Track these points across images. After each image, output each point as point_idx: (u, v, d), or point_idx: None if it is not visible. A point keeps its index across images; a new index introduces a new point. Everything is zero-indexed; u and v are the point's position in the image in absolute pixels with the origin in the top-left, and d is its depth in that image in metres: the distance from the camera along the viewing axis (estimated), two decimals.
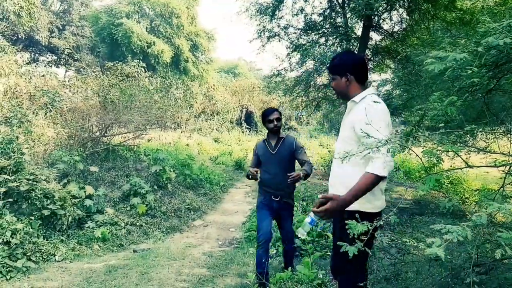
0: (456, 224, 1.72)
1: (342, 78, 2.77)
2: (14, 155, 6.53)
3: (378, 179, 2.41)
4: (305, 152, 4.69)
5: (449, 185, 10.26)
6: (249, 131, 27.58)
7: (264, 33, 9.98)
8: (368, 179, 2.41)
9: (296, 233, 3.16)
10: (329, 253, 5.47)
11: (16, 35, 27.50)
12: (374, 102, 2.56)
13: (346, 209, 2.56)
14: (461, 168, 2.25)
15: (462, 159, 2.26)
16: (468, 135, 5.12)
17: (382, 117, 2.51)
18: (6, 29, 24.59)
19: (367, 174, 2.41)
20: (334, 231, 2.92)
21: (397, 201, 8.88)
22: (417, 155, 2.03)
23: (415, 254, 4.73)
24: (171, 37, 32.53)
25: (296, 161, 4.64)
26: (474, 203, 9.25)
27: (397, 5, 8.82)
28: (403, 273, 4.05)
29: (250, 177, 4.44)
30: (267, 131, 4.66)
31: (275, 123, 4.52)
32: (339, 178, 2.74)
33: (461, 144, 2.51)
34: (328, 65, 2.92)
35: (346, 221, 2.25)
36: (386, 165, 2.36)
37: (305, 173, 4.37)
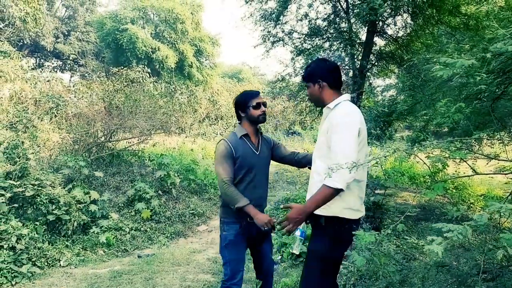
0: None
1: (314, 85, 2.80)
2: (19, 160, 6.56)
3: (334, 191, 2.44)
4: None
5: (454, 191, 10.21)
6: None
7: (268, 38, 9.99)
8: (324, 191, 2.46)
9: (291, 250, 3.13)
10: None
11: (21, 40, 27.68)
12: (346, 113, 2.60)
13: (325, 214, 2.61)
14: (469, 176, 2.24)
15: (469, 165, 2.26)
16: (474, 141, 5.11)
17: (350, 129, 2.51)
18: (12, 35, 24.73)
19: (324, 186, 2.46)
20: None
21: (402, 206, 8.85)
22: (423, 162, 2.03)
23: (421, 260, 4.70)
24: (175, 42, 32.63)
25: (278, 160, 3.57)
26: (479, 208, 9.20)
27: (401, 10, 8.82)
28: (409, 279, 4.02)
29: (264, 229, 3.05)
30: (244, 123, 3.38)
31: (263, 108, 3.30)
32: (315, 185, 2.67)
33: (468, 150, 2.50)
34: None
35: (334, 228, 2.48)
36: (343, 178, 2.39)
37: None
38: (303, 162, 3.43)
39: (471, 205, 9.56)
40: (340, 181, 2.38)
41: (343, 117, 2.56)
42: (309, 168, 3.19)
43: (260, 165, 3.33)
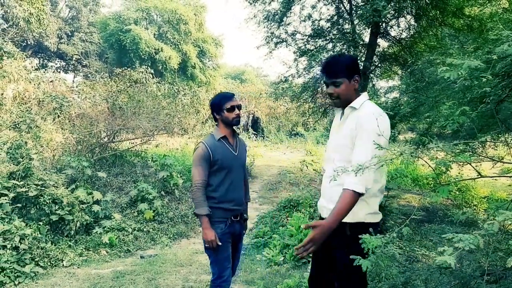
0: (467, 232, 1.71)
1: (350, 81, 2.46)
2: (23, 161, 6.58)
3: (358, 196, 2.23)
4: None
5: (457, 193, 10.19)
6: (256, 137, 27.57)
7: (271, 39, 10.01)
8: (349, 197, 2.22)
9: None
10: None
11: (25, 41, 27.75)
12: (379, 114, 2.39)
13: (350, 221, 2.39)
14: (474, 178, 2.23)
15: (474, 168, 2.25)
16: (477, 144, 5.09)
17: (374, 129, 2.28)
18: (15, 35, 24.83)
19: (346, 191, 2.23)
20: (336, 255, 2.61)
21: (405, 208, 8.83)
22: (429, 165, 2.02)
23: (424, 262, 4.70)
24: (178, 43, 32.70)
25: None
26: (483, 210, 9.18)
27: (405, 12, 8.81)
28: (412, 281, 4.01)
29: (205, 246, 3.24)
30: (220, 125, 3.37)
31: (237, 111, 3.32)
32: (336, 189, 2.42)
33: (471, 153, 2.49)
34: (326, 68, 2.54)
35: (360, 235, 2.08)
36: (365, 182, 2.22)
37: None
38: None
39: (475, 207, 9.53)
40: (363, 185, 2.22)
41: (374, 120, 2.32)
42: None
43: (238, 166, 3.39)
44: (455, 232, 1.74)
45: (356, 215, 2.40)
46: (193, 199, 3.25)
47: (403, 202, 10.20)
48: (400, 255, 4.98)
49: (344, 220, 2.37)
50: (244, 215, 3.54)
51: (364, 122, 2.34)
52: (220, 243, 3.17)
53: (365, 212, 2.44)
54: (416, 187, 12.24)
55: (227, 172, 3.27)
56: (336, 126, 2.63)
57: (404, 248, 5.62)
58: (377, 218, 2.54)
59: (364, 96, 2.52)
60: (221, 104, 3.28)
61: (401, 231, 1.95)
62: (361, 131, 2.33)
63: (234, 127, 3.42)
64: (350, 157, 2.37)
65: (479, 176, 2.16)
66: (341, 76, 2.44)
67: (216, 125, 3.41)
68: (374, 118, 2.30)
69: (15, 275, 5.02)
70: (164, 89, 13.78)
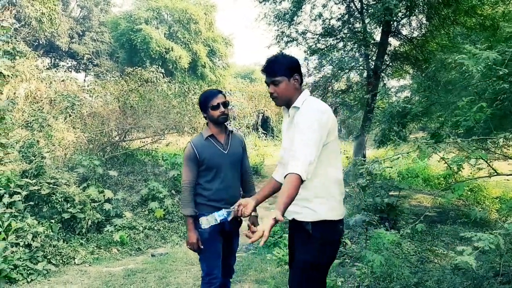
0: (480, 231, 1.69)
1: (290, 79, 2.47)
2: (35, 159, 6.64)
3: (300, 180, 2.16)
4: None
5: (469, 193, 10.09)
6: (266, 136, 27.57)
7: (282, 38, 10.01)
8: (294, 182, 2.15)
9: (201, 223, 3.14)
10: (347, 260, 5.42)
11: (37, 40, 28.04)
12: (318, 109, 2.39)
13: (311, 220, 2.43)
14: (489, 176, 2.21)
15: (490, 165, 2.22)
16: (491, 143, 5.04)
17: (313, 117, 2.31)
18: (27, 35, 25.05)
19: (291, 175, 2.16)
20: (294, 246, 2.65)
21: (416, 208, 8.78)
22: (444, 161, 2.00)
23: (436, 263, 4.66)
24: (189, 42, 32.81)
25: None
26: (495, 211, 9.09)
27: (417, 10, 8.76)
28: (423, 282, 3.99)
29: (188, 247, 3.31)
30: (209, 123, 3.31)
31: (222, 109, 3.20)
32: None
33: (487, 151, 2.47)
34: (266, 67, 2.56)
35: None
36: (308, 168, 2.18)
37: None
38: (245, 192, 3.51)
39: (487, 207, 9.44)
40: (305, 171, 2.16)
41: (311, 105, 2.40)
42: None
43: (230, 164, 3.30)
44: (468, 231, 1.72)
45: (316, 214, 2.42)
46: (181, 198, 3.27)
47: (414, 202, 10.14)
48: (413, 256, 4.95)
49: (305, 219, 2.44)
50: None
51: (302, 115, 2.38)
52: (202, 247, 3.19)
53: (325, 209, 2.43)
54: (427, 187, 12.15)
55: (216, 171, 3.23)
56: (286, 126, 2.64)
57: (416, 248, 5.59)
58: (339, 215, 2.51)
59: (305, 93, 2.53)
60: (206, 102, 3.21)
61: (415, 227, 1.94)
62: (299, 124, 2.35)
63: (225, 124, 3.35)
64: None
65: (495, 174, 2.14)
66: (280, 74, 2.46)
67: (207, 123, 3.35)
68: (313, 112, 2.35)
69: (28, 272, 5.06)
70: (175, 89, 13.84)
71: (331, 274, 4.49)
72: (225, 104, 3.23)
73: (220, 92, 3.29)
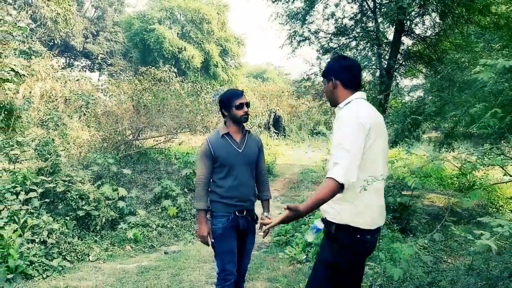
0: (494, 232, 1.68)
1: (328, 82, 2.63)
2: (50, 157, 6.74)
3: (337, 186, 2.19)
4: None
5: (482, 193, 10.00)
6: (277, 136, 27.57)
7: (295, 37, 10.00)
8: (328, 185, 2.20)
9: (306, 238, 3.09)
10: None
11: (52, 40, 28.36)
12: (353, 110, 2.43)
13: (335, 222, 2.45)
14: (506, 182, 2.21)
15: (505, 170, 2.22)
16: (505, 145, 5.00)
17: (349, 122, 2.35)
18: (43, 35, 25.38)
19: (327, 179, 2.23)
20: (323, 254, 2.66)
21: (429, 208, 8.73)
22: (458, 168, 2.00)
23: (449, 263, 4.64)
24: (201, 42, 32.94)
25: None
26: (509, 211, 9.00)
27: (430, 9, 8.69)
28: (437, 282, 3.98)
29: (200, 241, 3.42)
30: (228, 121, 3.39)
31: (246, 109, 3.32)
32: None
33: (500, 155, 2.46)
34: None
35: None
36: (345, 172, 2.19)
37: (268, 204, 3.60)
38: (258, 187, 3.58)
39: (500, 207, 9.35)
40: (342, 174, 2.18)
41: (346, 112, 2.45)
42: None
43: (244, 163, 3.34)
44: (482, 232, 1.72)
45: (340, 216, 2.44)
46: (195, 193, 3.35)
47: (427, 202, 10.08)
48: (426, 256, 4.93)
49: (331, 220, 2.47)
50: (251, 213, 3.44)
51: (339, 118, 2.44)
52: (212, 240, 3.26)
53: (350, 213, 2.42)
54: (440, 187, 12.06)
55: (229, 169, 3.28)
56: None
57: (428, 248, 5.57)
58: (370, 225, 2.47)
59: (354, 95, 2.57)
60: (230, 101, 3.30)
61: (432, 236, 1.94)
62: (337, 128, 2.41)
63: (243, 124, 3.42)
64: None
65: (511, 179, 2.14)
66: (324, 77, 2.69)
67: (224, 121, 3.42)
68: (348, 117, 2.39)
69: (43, 268, 5.14)
70: (187, 88, 13.90)
71: None
72: (248, 105, 3.33)
73: (243, 93, 3.38)
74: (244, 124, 3.44)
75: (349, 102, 2.52)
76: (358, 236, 2.44)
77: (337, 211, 2.44)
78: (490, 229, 1.63)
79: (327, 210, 2.51)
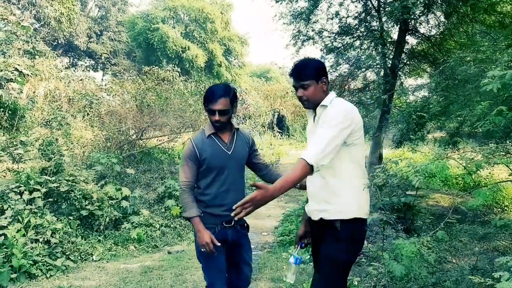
0: (500, 233, 1.66)
1: (321, 83, 2.49)
2: (54, 157, 6.74)
3: (308, 167, 2.14)
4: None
5: (487, 193, 9.95)
6: (281, 135, 27.54)
7: (299, 37, 9.99)
8: (298, 166, 2.15)
9: (285, 279, 2.85)
10: (363, 259, 5.40)
11: (56, 40, 28.44)
12: (344, 109, 2.40)
13: (344, 217, 2.42)
14: (510, 180, 2.18)
15: (510, 168, 2.19)
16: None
17: (340, 115, 2.33)
18: (47, 35, 25.46)
19: (299, 160, 2.17)
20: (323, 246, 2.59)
21: (434, 208, 8.69)
22: (463, 166, 1.98)
23: (454, 263, 4.61)
24: (205, 42, 32.93)
25: (247, 164, 3.17)
26: None
27: (435, 8, 8.66)
28: (441, 282, 3.95)
29: (202, 250, 2.89)
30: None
31: (217, 117, 2.83)
32: (324, 190, 2.48)
33: (505, 153, 2.43)
34: (295, 71, 2.54)
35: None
36: (317, 154, 2.16)
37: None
38: (272, 178, 3.11)
39: (505, 208, 9.29)
40: (315, 158, 2.15)
41: (337, 106, 2.41)
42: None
43: (233, 166, 2.96)
44: (487, 232, 1.71)
45: (346, 212, 2.43)
46: (180, 201, 2.97)
47: (432, 202, 10.03)
48: (430, 256, 4.90)
49: (335, 217, 2.43)
50: (240, 222, 3.04)
51: (328, 114, 2.40)
52: (219, 244, 2.83)
53: (356, 207, 2.44)
54: (445, 186, 12.01)
55: (217, 173, 2.90)
56: (311, 128, 2.63)
57: (432, 248, 5.53)
58: (367, 214, 2.53)
59: (332, 94, 2.55)
60: (205, 102, 2.88)
61: (435, 234, 1.92)
62: (323, 122, 2.38)
63: (230, 121, 2.99)
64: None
65: None
66: (308, 78, 2.47)
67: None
68: (339, 111, 2.36)
69: (47, 268, 5.14)
70: (191, 87, 13.91)
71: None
72: (222, 112, 2.82)
73: (225, 94, 2.84)
74: (233, 122, 3.05)
75: (332, 99, 2.50)
76: (362, 226, 2.50)
77: (339, 208, 2.43)
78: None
79: (325, 210, 2.47)
